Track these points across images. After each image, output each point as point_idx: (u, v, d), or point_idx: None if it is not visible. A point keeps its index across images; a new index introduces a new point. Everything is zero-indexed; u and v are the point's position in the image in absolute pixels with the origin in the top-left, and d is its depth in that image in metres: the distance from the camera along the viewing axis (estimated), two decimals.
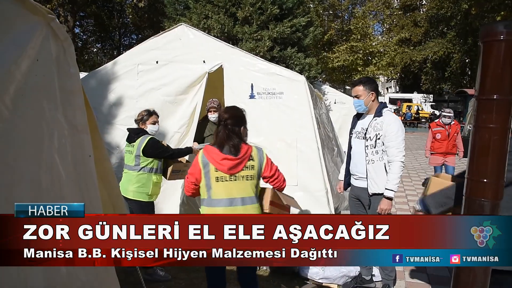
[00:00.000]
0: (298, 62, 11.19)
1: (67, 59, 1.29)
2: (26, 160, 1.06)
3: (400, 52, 24.53)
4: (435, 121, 7.36)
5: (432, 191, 2.56)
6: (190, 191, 2.72)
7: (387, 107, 3.56)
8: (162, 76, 5.01)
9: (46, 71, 1.19)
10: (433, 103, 34.70)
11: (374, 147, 3.40)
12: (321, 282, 3.84)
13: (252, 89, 4.74)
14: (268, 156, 2.70)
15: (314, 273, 3.87)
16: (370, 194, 3.40)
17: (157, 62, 5.03)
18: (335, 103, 11.70)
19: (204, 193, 2.64)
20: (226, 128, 2.59)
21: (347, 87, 26.86)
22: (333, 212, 4.54)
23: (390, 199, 3.31)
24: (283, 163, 4.68)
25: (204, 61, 4.88)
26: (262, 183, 2.85)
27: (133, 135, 3.83)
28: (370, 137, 3.42)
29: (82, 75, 6.18)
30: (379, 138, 3.38)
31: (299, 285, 3.76)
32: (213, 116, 4.92)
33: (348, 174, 3.69)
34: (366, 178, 3.42)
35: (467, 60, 26.07)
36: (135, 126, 3.97)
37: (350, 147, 3.68)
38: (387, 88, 58.23)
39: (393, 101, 33.99)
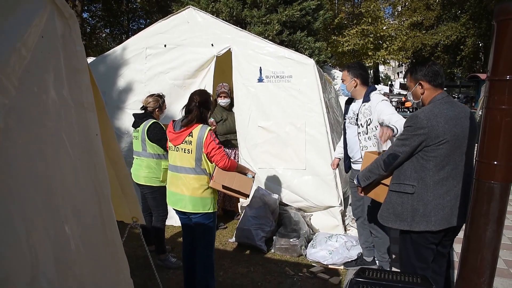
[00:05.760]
0: (308, 46, 11.07)
1: (72, 37, 1.28)
2: (33, 138, 1.07)
3: (412, 36, 24.05)
4: None
5: (364, 166, 2.74)
6: None
7: (376, 89, 3.52)
8: (170, 60, 4.99)
9: (51, 48, 1.18)
10: (445, 88, 34.27)
11: (366, 134, 3.42)
12: (327, 265, 3.87)
13: (260, 72, 4.70)
14: (210, 135, 2.88)
15: (321, 256, 3.91)
16: None
17: (165, 45, 5.00)
18: None
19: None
20: (197, 109, 2.93)
21: None
22: (341, 196, 4.53)
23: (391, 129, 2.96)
24: (292, 147, 4.69)
25: (212, 45, 4.85)
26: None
27: (138, 120, 3.80)
28: (361, 123, 3.44)
29: (91, 60, 6.17)
30: (369, 124, 3.37)
31: (306, 268, 3.79)
32: (223, 101, 4.93)
33: (347, 157, 3.73)
34: None
35: (480, 45, 25.48)
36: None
37: (344, 132, 3.71)
38: (397, 73, 57.45)
39: (403, 86, 33.61)
